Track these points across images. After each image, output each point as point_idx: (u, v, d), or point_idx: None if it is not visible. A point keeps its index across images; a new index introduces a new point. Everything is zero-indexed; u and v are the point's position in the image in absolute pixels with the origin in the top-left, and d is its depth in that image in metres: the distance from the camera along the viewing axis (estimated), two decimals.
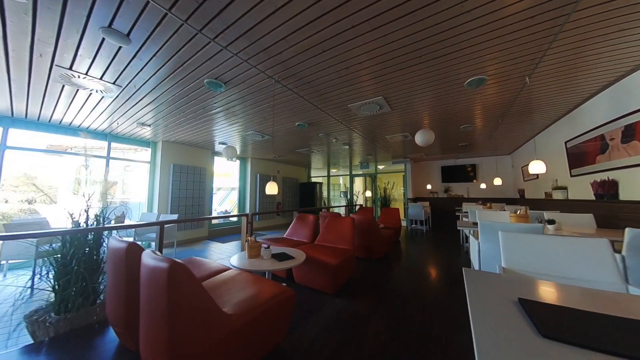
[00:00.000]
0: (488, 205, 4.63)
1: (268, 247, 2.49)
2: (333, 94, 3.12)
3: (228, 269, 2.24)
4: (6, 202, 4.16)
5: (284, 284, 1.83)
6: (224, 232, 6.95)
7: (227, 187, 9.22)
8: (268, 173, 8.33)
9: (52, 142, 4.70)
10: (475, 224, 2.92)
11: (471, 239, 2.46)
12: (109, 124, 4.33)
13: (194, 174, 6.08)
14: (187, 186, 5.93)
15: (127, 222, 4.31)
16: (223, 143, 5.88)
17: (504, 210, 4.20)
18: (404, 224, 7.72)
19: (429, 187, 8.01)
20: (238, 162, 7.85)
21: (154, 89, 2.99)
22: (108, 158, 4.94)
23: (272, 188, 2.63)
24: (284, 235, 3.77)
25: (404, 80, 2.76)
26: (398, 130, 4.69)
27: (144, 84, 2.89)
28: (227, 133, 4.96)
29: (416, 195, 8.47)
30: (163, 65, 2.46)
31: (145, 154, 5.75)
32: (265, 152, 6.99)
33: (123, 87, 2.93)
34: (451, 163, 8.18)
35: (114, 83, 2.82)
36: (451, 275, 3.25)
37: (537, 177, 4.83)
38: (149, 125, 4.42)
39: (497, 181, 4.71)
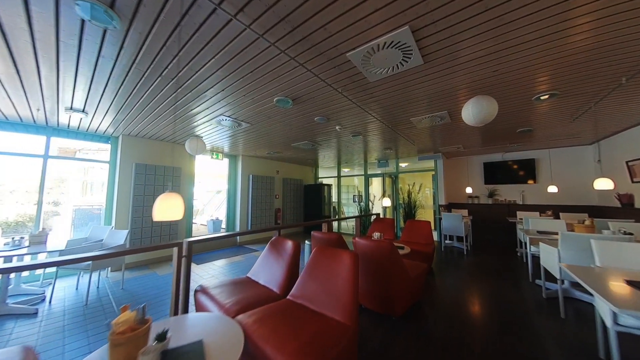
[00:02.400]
0: (586, 221, 2.79)
1: (162, 338, 1.17)
2: (314, 27, 1.72)
3: None
4: None
5: None
6: (205, 247, 5.79)
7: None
8: (264, 173, 7.08)
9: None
10: None
11: None
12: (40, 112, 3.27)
13: (164, 176, 4.96)
14: (156, 191, 4.81)
15: (48, 244, 3.21)
16: (198, 136, 4.69)
17: (622, 233, 2.54)
18: (434, 236, 6.09)
19: (469, 190, 6.29)
20: (227, 160, 6.67)
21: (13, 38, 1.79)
22: (46, 157, 3.92)
23: (167, 205, 1.28)
24: (248, 274, 2.43)
25: None
26: (430, 106, 3.17)
27: None
28: (194, 122, 3.74)
29: (450, 200, 6.78)
30: None
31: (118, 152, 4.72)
32: (257, 148, 5.73)
33: None
34: (497, 158, 6.40)
35: None
36: None
37: None
38: (82, 111, 3.30)
39: (605, 184, 2.76)
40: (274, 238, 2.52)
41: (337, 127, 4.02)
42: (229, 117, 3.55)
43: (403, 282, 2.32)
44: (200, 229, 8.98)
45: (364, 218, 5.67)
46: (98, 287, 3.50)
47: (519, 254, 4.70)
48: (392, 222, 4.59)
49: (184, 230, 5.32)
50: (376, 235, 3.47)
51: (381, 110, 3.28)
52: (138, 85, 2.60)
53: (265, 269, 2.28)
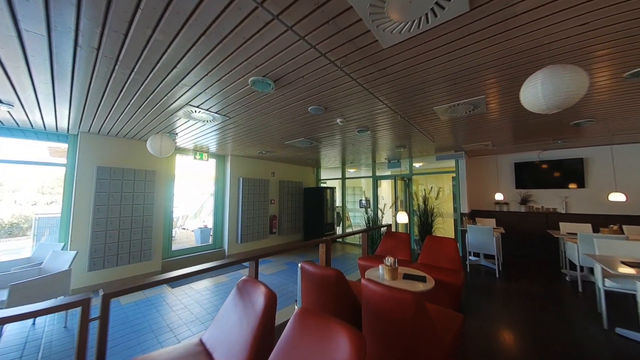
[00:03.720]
0: None
1: None
2: None
3: None
4: None
5: None
6: (188, 263, 5.11)
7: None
8: (257, 176, 6.36)
9: None
10: None
11: None
12: None
13: (134, 182, 4.28)
14: (123, 199, 4.14)
15: None
16: (173, 132, 4.00)
17: None
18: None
19: (499, 196, 5.44)
20: (214, 161, 5.98)
21: None
22: None
23: None
24: (202, 338, 1.69)
25: None
26: (463, 88, 2.38)
27: None
28: (160, 115, 3.04)
29: (473, 207, 5.94)
30: None
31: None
32: (245, 146, 5.02)
33: None
34: (532, 158, 5.53)
35: None
36: None
37: None
38: (4, 103, 2.63)
39: None
40: (242, 280, 1.78)
41: (338, 121, 3.26)
42: (198, 107, 2.83)
43: (433, 353, 1.55)
44: (191, 238, 8.36)
45: (373, 231, 4.88)
46: (34, 324, 2.83)
47: (567, 277, 3.85)
48: (407, 239, 3.81)
49: (160, 245, 4.65)
50: (389, 260, 2.73)
51: (396, 95, 2.50)
52: (54, 64, 1.90)
53: (226, 332, 1.55)
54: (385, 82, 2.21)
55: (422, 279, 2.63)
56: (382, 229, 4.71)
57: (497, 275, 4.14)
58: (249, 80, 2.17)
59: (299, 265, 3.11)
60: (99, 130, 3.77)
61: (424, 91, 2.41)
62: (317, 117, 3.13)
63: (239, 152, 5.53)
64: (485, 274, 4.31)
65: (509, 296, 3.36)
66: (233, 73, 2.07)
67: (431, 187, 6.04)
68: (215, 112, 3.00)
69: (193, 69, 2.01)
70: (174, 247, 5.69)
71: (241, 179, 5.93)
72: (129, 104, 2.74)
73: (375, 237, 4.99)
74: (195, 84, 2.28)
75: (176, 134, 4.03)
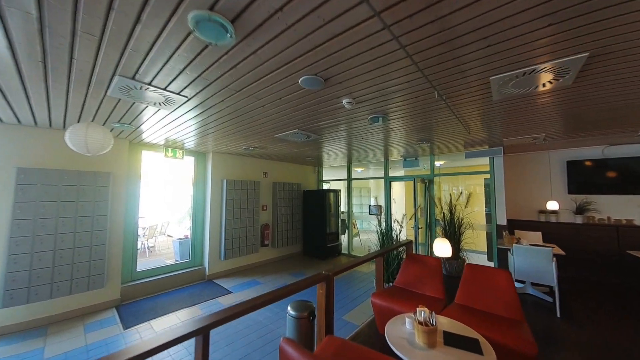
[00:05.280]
0: None
1: None
2: None
3: None
4: None
5: None
6: (159, 287, 4.25)
7: None
8: (245, 177, 5.49)
9: None
10: None
11: None
12: None
13: (78, 187, 3.44)
14: (62, 211, 3.31)
15: None
16: (125, 123, 3.15)
17: None
18: None
19: (552, 205, 4.48)
20: (192, 159, 5.12)
21: None
22: None
23: None
24: None
25: None
26: (557, 38, 1.45)
27: None
28: (90, 95, 2.18)
29: (509, 216, 4.99)
30: None
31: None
32: (227, 141, 4.16)
33: None
34: (593, 154, 4.56)
35: None
36: None
37: None
38: None
39: None
40: None
41: (343, 102, 2.36)
42: (133, 79, 1.95)
43: None
44: (172, 248, 7.55)
45: (388, 254, 3.95)
46: None
47: None
48: (437, 266, 2.90)
49: (118, 266, 3.79)
50: (422, 314, 1.87)
51: (439, 51, 1.58)
52: None
53: None
54: (429, 18, 1.29)
55: (475, 348, 1.73)
56: (400, 249, 3.79)
57: (558, 314, 3.20)
58: (190, 20, 1.27)
59: (290, 312, 2.24)
60: (18, 119, 2.92)
61: (489, 43, 1.49)
62: (314, 95, 2.23)
63: (221, 148, 4.66)
64: (538, 309, 3.38)
65: (596, 355, 2.43)
66: (156, 4, 1.17)
67: (461, 193, 5.12)
68: (164, 89, 2.12)
69: None
70: (146, 264, 4.87)
71: (225, 180, 5.07)
72: (20, 74, 1.88)
73: (390, 257, 4.08)
74: (105, 33, 1.40)
75: (129, 124, 3.17)
